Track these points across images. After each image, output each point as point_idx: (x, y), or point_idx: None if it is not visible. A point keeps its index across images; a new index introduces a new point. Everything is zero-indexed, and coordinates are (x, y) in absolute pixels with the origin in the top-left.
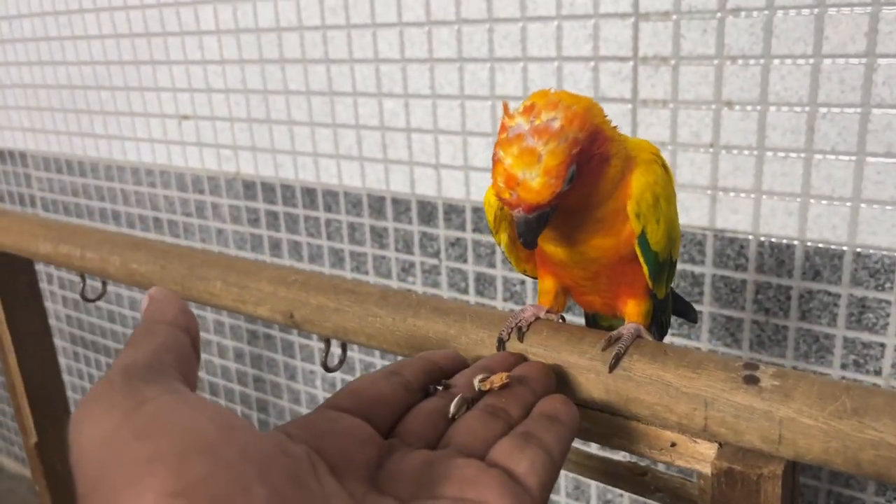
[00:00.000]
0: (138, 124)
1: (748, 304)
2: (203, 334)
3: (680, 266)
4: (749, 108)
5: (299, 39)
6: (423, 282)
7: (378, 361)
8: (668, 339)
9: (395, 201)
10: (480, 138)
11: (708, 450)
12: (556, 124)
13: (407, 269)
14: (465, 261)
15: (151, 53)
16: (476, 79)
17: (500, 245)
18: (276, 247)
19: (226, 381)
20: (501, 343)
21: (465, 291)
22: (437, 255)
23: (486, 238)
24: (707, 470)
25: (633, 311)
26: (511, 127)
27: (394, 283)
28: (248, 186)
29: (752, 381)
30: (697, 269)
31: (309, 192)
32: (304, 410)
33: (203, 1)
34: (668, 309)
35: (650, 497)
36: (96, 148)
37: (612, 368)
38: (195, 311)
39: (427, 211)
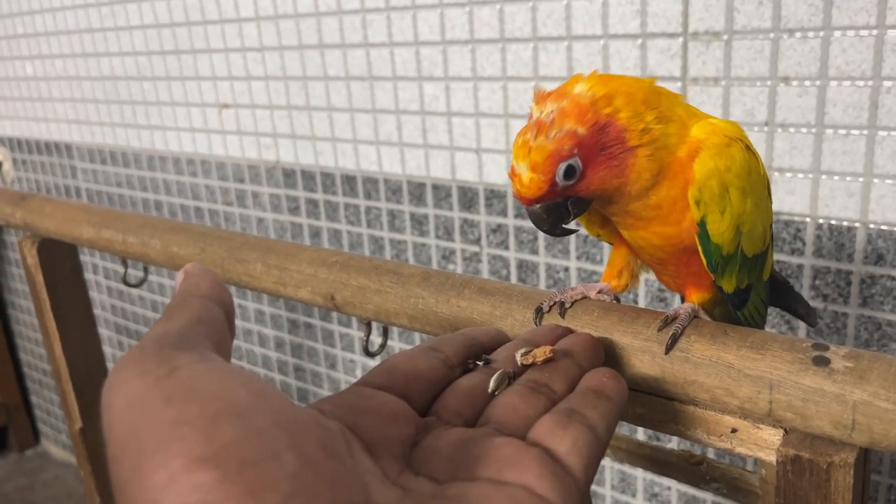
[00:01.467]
0: (179, 114)
1: (805, 290)
2: (243, 323)
3: None
4: (807, 83)
5: (338, 24)
6: (463, 269)
7: None
8: None
9: (436, 187)
10: (523, 121)
11: (773, 436)
12: (551, 118)
13: (447, 256)
14: (507, 247)
15: (192, 42)
16: (519, 59)
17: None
18: (315, 235)
19: (266, 370)
20: (539, 313)
21: (507, 279)
22: (478, 241)
23: (529, 224)
24: (771, 458)
25: (695, 299)
26: (531, 115)
27: None
28: (288, 175)
29: (822, 362)
30: None
31: (349, 180)
32: None
33: None
34: (752, 305)
35: (706, 488)
36: (139, 138)
37: (668, 349)
38: (235, 298)
39: (468, 197)
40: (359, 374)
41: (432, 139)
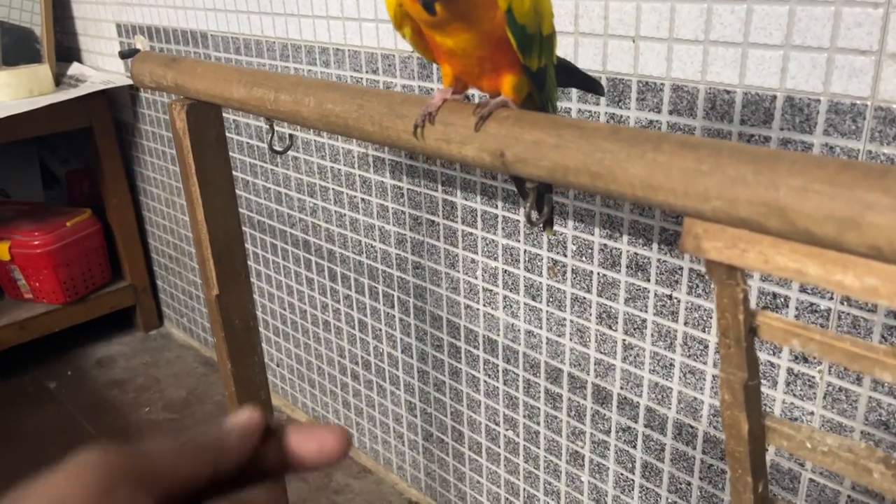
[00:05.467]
0: (315, 1)
1: None
2: (365, 218)
3: None
4: None
5: None
6: None
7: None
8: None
9: None
10: (688, 4)
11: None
12: None
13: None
14: None
15: None
16: None
17: (405, 39)
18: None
19: (385, 266)
20: (417, 129)
21: None
22: None
23: (669, 121)
24: None
25: (507, 86)
26: None
27: None
28: (424, 66)
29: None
30: None
31: None
32: (461, 300)
33: None
34: (549, 85)
35: None
36: (273, 27)
37: (476, 128)
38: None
39: (618, 90)
40: (479, 275)
41: (584, 26)
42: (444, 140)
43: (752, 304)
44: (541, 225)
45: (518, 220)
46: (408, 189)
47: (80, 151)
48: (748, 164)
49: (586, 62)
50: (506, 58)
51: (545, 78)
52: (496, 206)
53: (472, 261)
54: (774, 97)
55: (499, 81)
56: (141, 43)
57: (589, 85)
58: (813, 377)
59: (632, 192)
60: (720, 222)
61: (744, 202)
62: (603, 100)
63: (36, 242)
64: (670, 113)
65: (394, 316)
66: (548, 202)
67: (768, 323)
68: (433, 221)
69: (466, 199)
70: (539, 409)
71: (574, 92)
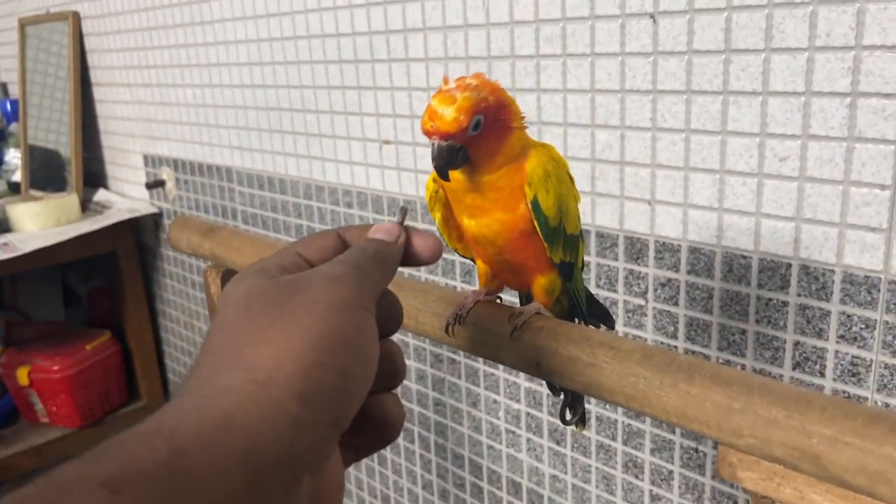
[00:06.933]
0: (340, 147)
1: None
2: None
3: None
4: None
5: (510, 68)
6: (625, 322)
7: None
8: None
9: (601, 236)
10: (703, 175)
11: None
12: (474, 84)
13: (608, 307)
14: (677, 304)
15: (358, 79)
16: (705, 112)
17: (436, 223)
18: (467, 273)
19: (405, 402)
20: (449, 327)
21: (675, 336)
22: (644, 294)
23: (705, 282)
24: None
25: (539, 288)
26: (445, 88)
27: None
28: None
29: None
30: None
31: None
32: (484, 439)
33: (414, 29)
34: (577, 278)
35: None
36: (297, 167)
37: (511, 334)
38: None
39: (636, 248)
40: (501, 415)
41: (601, 187)
42: (481, 342)
43: None
44: (573, 424)
45: None
46: None
47: (102, 270)
48: (779, 407)
49: (603, 220)
50: (533, 251)
51: (571, 273)
52: None
53: (495, 401)
54: (790, 265)
55: (530, 279)
56: (167, 175)
57: (602, 316)
58: None
59: (666, 417)
60: (754, 456)
61: (777, 444)
62: (622, 254)
63: (56, 368)
64: (688, 273)
65: (414, 451)
66: (579, 401)
67: None
68: (454, 360)
69: None
70: None
71: (592, 245)
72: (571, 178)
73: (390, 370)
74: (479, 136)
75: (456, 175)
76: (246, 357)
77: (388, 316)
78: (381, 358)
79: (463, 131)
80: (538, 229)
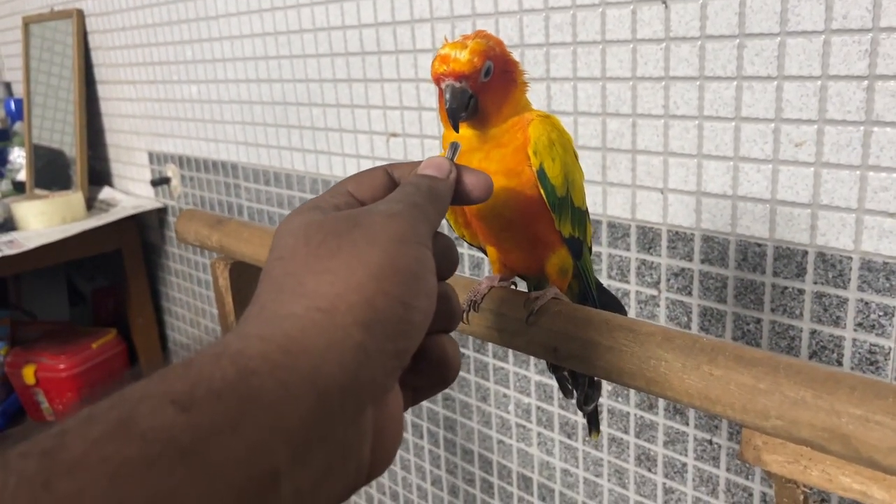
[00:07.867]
0: (346, 140)
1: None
2: None
3: None
4: None
5: (519, 57)
6: (637, 313)
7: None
8: None
9: (612, 226)
10: (718, 161)
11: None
12: (482, 33)
13: (620, 297)
14: (690, 293)
15: (365, 72)
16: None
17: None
18: (475, 266)
19: None
20: (463, 314)
21: (688, 326)
22: (656, 284)
23: (716, 270)
24: None
25: (552, 267)
26: (451, 41)
27: None
28: None
29: None
30: None
31: None
32: (493, 434)
33: (421, 20)
34: (586, 256)
35: None
36: (303, 162)
37: (527, 320)
38: None
39: (648, 237)
40: (511, 409)
41: (612, 176)
42: (497, 329)
43: None
44: (588, 429)
45: None
46: None
47: (107, 269)
48: (807, 387)
49: (615, 210)
50: (542, 224)
51: (581, 248)
52: None
53: (504, 395)
54: (806, 252)
55: (543, 256)
56: (172, 171)
57: (613, 307)
58: None
59: (689, 401)
60: (780, 438)
61: (805, 425)
62: (634, 244)
63: (62, 366)
64: (702, 262)
65: (423, 447)
66: (595, 392)
67: None
68: (463, 354)
69: None
70: None
71: (604, 235)
72: (576, 153)
73: (447, 311)
74: (488, 84)
75: (464, 131)
76: (308, 286)
77: (445, 257)
78: (438, 298)
79: (476, 73)
80: (545, 198)
